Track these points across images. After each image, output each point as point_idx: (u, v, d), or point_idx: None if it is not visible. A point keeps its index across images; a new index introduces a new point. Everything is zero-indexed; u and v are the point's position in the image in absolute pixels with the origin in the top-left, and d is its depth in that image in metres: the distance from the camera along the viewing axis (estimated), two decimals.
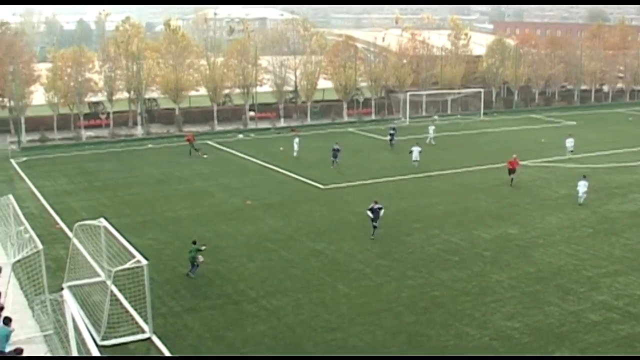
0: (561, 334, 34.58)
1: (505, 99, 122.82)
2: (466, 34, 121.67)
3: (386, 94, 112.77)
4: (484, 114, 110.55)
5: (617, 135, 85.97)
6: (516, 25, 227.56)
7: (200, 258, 41.68)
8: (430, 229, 50.91)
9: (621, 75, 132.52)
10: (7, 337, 24.42)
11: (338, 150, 71.74)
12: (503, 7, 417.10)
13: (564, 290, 39.93)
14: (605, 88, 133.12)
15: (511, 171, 64.15)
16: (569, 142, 77.99)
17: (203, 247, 42.37)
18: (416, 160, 70.74)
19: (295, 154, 76.14)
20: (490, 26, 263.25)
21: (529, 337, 34.07)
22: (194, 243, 42.12)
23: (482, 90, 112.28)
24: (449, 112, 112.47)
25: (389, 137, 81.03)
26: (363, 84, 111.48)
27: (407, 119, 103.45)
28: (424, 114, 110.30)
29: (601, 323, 35.85)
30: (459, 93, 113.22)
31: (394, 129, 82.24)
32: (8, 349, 23.75)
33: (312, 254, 44.10)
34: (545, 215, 54.37)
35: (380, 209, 47.99)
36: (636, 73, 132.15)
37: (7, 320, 29.07)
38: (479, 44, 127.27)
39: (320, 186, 63.87)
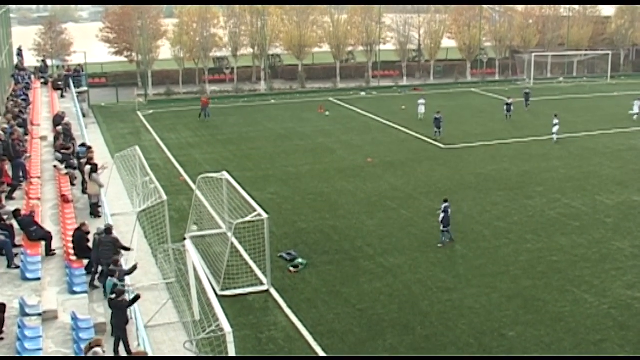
0: None
1: (634, 62, 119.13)
2: None
3: (511, 54, 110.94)
4: (611, 77, 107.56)
5: None
6: None
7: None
8: (551, 193, 50.05)
9: None
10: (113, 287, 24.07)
11: (440, 120, 66.65)
12: None
13: None
14: None
15: None
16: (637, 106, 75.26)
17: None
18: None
19: (420, 116, 73.85)
20: None
21: None
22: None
23: (609, 52, 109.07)
24: (574, 74, 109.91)
25: (505, 109, 76.02)
26: (487, 44, 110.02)
27: (532, 81, 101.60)
28: (549, 75, 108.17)
29: None
30: (585, 55, 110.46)
31: (510, 100, 78.06)
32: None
33: (431, 214, 43.90)
34: None
35: (447, 208, 40.78)
36: None
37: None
38: (608, 4, 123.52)
39: (442, 146, 63.46)
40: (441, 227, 40.64)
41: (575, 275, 36.65)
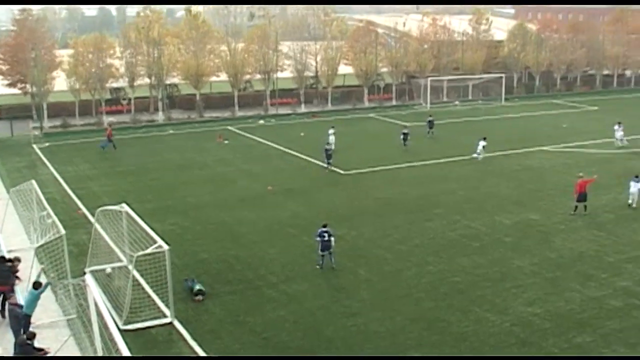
0: (582, 320, 34.48)
1: (526, 85, 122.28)
2: (487, 19, 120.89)
3: (407, 79, 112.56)
4: (505, 99, 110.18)
5: (639, 120, 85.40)
6: (537, 10, 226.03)
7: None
8: (451, 215, 50.85)
9: None
10: (35, 300, 25.88)
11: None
12: None
13: (585, 276, 39.81)
14: (628, 73, 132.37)
15: (581, 197, 51.41)
16: (619, 132, 76.06)
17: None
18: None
19: (332, 146, 70.21)
20: (512, 11, 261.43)
21: (550, 323, 34.00)
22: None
23: (503, 75, 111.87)
24: (470, 97, 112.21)
25: (402, 137, 74.89)
26: (384, 70, 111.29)
27: (428, 105, 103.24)
28: (444, 99, 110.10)
29: (623, 309, 35.73)
30: (480, 78, 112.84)
31: (406, 130, 78.09)
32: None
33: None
34: (567, 201, 53.99)
35: (330, 236, 40.71)
36: None
37: (37, 285, 30.01)
38: (500, 28, 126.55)
39: (341, 172, 63.88)
40: (319, 251, 40.86)
41: (476, 294, 37.24)
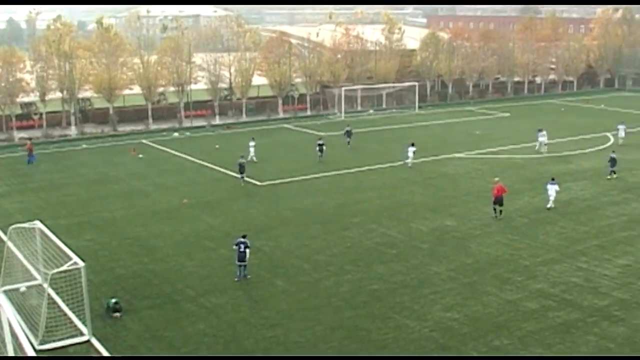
0: (499, 322, 35.11)
1: (439, 92, 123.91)
2: (400, 28, 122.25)
3: (321, 89, 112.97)
4: (419, 107, 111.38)
5: (550, 125, 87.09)
6: (449, 19, 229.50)
7: None
8: (367, 223, 51.25)
9: (553, 66, 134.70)
10: None
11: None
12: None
13: (501, 280, 40.55)
14: (538, 79, 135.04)
15: (497, 200, 52.94)
16: (542, 138, 77.86)
17: None
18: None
19: (253, 159, 72.04)
20: (424, 20, 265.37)
21: (468, 328, 34.53)
22: None
23: (416, 83, 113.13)
24: (384, 106, 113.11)
25: (317, 148, 73.96)
26: (298, 80, 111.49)
27: (343, 114, 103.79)
28: (359, 108, 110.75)
29: (538, 311, 36.50)
30: (393, 87, 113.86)
31: (321, 141, 75.58)
32: None
33: (251, 251, 44.12)
34: (481, 207, 55.01)
35: (246, 247, 40.90)
36: (567, 64, 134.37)
37: None
38: (412, 37, 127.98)
39: (257, 183, 63.83)
40: (236, 262, 40.98)
41: (395, 302, 37.61)
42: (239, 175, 63.92)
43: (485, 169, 68.06)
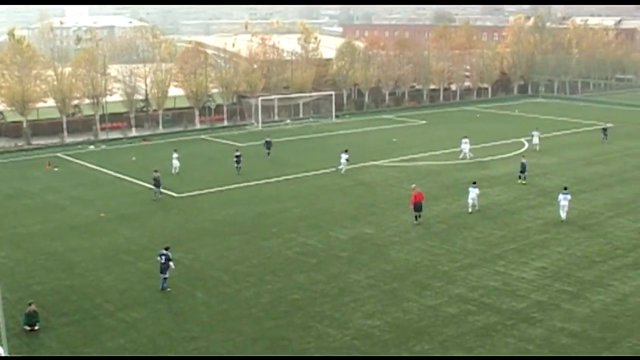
0: (420, 328, 35.49)
1: (356, 101, 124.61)
2: (316, 38, 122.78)
3: (238, 99, 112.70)
4: (336, 116, 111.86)
5: (466, 132, 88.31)
6: (365, 28, 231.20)
7: None
8: (286, 233, 51.30)
9: (468, 74, 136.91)
10: None
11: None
12: (352, 10, 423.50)
13: (421, 286, 40.99)
14: (453, 87, 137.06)
15: (416, 206, 53.71)
16: (465, 145, 78.86)
17: None
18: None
19: (176, 170, 71.50)
20: (340, 29, 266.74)
21: (390, 334, 34.83)
22: None
23: (333, 93, 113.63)
24: (301, 115, 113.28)
25: (235, 160, 73.56)
26: (214, 90, 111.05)
27: (260, 124, 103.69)
28: (276, 118, 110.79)
29: (458, 315, 37.01)
30: (310, 96, 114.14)
31: (238, 152, 75.80)
32: None
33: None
34: (400, 214, 55.52)
35: (168, 260, 41.08)
36: (482, 72, 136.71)
37: None
38: (328, 47, 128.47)
39: (175, 195, 63.38)
40: (160, 274, 40.99)
41: (316, 311, 37.72)
42: (153, 190, 62.96)
43: (403, 177, 68.70)
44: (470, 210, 56.12)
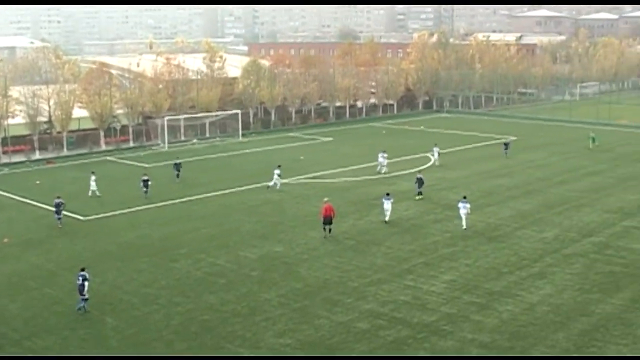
0: (332, 345, 35.62)
1: (262, 120, 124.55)
2: (221, 57, 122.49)
3: (143, 120, 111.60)
4: (243, 135, 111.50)
5: (372, 148, 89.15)
6: (270, 46, 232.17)
7: None
8: (195, 253, 50.98)
9: (373, 90, 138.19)
10: None
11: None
12: (257, 28, 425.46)
13: (331, 303, 41.15)
14: (359, 103, 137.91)
15: (326, 220, 54.61)
16: (382, 158, 79.92)
17: None
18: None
19: (91, 193, 70.41)
20: (245, 48, 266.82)
21: (302, 352, 34.93)
22: None
23: (239, 111, 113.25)
24: (207, 135, 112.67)
25: (142, 184, 70.60)
26: (119, 111, 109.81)
27: (166, 145, 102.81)
28: (182, 138, 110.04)
29: (370, 330, 37.27)
30: (216, 116, 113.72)
31: (146, 177, 73.90)
32: None
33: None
34: (308, 231, 55.73)
35: (84, 280, 40.87)
36: (387, 88, 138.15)
37: None
38: (234, 66, 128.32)
39: (81, 218, 62.43)
40: (78, 295, 40.57)
41: (227, 331, 37.58)
42: (55, 216, 61.48)
43: (311, 194, 68.94)
44: (386, 219, 57.84)
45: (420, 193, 66.42)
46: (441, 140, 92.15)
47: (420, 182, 66.67)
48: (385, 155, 79.94)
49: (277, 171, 71.69)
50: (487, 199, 65.86)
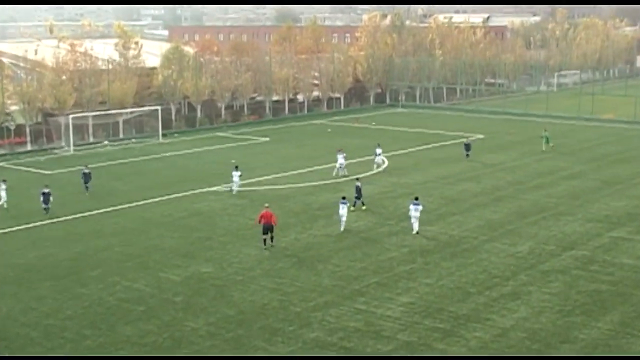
0: None
1: (187, 117, 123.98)
2: (137, 43, 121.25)
3: (43, 118, 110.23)
4: (163, 135, 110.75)
5: (316, 149, 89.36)
6: (195, 30, 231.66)
7: None
8: (109, 276, 50.46)
9: (316, 82, 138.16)
10: None
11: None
12: (179, 10, 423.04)
13: (270, 332, 40.95)
14: (300, 97, 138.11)
15: (267, 229, 55.54)
16: (341, 158, 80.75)
17: None
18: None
19: (4, 205, 70.03)
20: (165, 32, 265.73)
21: None
22: None
23: (159, 108, 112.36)
24: (121, 135, 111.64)
25: (42, 198, 69.28)
26: (14, 108, 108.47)
27: (72, 147, 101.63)
28: (91, 139, 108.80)
29: None
30: (131, 113, 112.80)
31: (47, 189, 74.13)
32: None
33: None
34: (242, 247, 55.54)
35: None
36: (332, 79, 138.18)
37: None
38: (152, 53, 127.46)
39: None
40: None
41: None
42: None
43: (245, 204, 68.79)
44: (342, 228, 58.92)
45: (362, 203, 66.37)
46: (395, 139, 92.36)
47: (358, 191, 66.50)
48: (345, 155, 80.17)
49: (236, 172, 72.36)
50: (450, 207, 66.26)
